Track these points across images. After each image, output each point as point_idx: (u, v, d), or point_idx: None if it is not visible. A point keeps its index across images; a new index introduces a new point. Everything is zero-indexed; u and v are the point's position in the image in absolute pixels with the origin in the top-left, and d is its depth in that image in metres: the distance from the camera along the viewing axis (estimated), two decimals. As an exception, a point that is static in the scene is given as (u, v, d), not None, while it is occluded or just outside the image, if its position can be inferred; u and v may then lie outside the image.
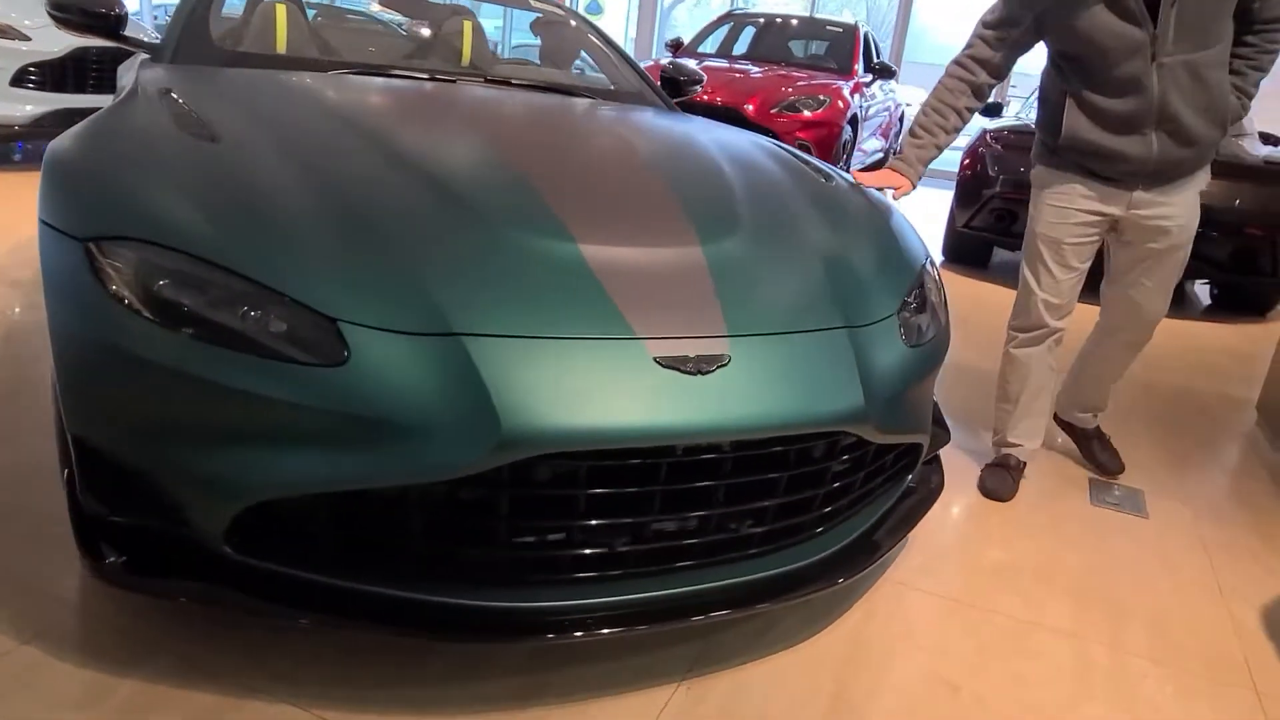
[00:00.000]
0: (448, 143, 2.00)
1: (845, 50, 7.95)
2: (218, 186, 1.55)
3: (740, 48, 8.55)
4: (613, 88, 3.00)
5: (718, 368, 1.49)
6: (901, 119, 9.89)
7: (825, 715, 1.59)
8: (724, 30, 8.67)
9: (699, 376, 1.47)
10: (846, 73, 7.60)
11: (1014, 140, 5.47)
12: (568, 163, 2.05)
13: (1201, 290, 6.06)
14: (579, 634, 1.47)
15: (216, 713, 1.44)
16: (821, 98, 6.79)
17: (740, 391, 1.49)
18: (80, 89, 5.50)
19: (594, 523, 1.46)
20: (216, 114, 1.83)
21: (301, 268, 1.42)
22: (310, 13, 3.23)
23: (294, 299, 1.38)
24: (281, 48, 2.75)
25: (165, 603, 1.62)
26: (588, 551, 1.49)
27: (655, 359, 1.46)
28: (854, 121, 7.21)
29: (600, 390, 1.40)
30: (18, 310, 3.10)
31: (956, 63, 2.35)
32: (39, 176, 1.64)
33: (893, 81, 8.94)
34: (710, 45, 8.55)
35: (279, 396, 1.34)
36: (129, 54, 5.69)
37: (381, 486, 1.36)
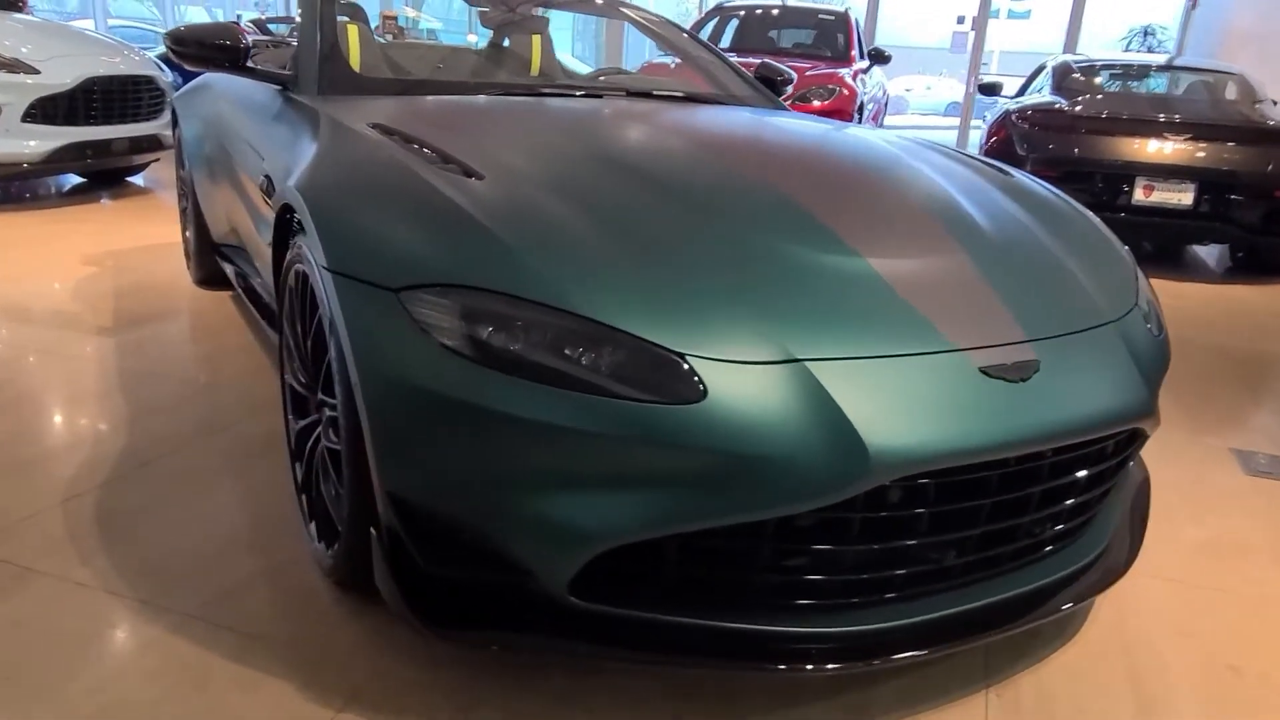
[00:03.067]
0: (688, 163, 1.95)
1: (840, 38, 8.01)
2: (513, 225, 1.49)
3: (729, 39, 8.56)
4: (739, 94, 2.97)
5: (1033, 373, 1.48)
6: (886, 105, 9.99)
7: (1136, 706, 1.60)
8: (714, 23, 8.67)
9: (1021, 384, 1.46)
10: (845, 60, 7.67)
11: (1041, 118, 5.57)
12: (804, 175, 2.02)
13: (1209, 253, 6.24)
14: (929, 650, 1.46)
15: (570, 765, 1.40)
16: (830, 87, 6.83)
17: (1058, 394, 1.48)
18: (89, 120, 5.30)
19: (932, 539, 1.45)
20: (453, 148, 1.77)
21: (634, 303, 1.38)
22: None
23: (635, 336, 1.34)
24: (356, 66, 2.62)
25: (461, 653, 1.58)
26: (923, 569, 1.48)
27: (980, 369, 1.45)
28: (860, 109, 7.26)
29: (945, 405, 1.39)
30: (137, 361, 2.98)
31: None
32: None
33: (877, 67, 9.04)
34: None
35: (635, 438, 1.30)
36: (140, 83, 5.53)
37: (748, 521, 1.33)
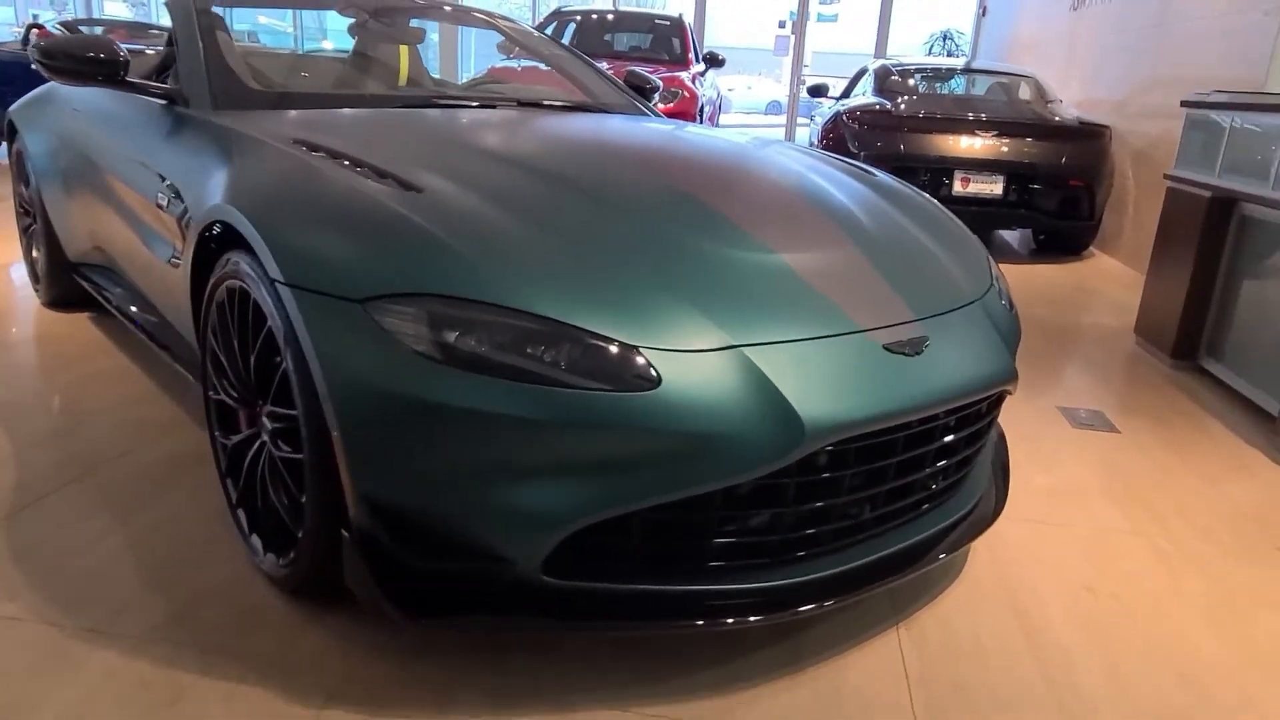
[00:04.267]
0: (605, 170, 2.07)
1: (675, 42, 8.32)
2: (462, 234, 1.58)
3: (566, 42, 8.71)
4: (617, 102, 3.12)
5: (925, 348, 1.72)
6: (720, 105, 10.44)
7: (1022, 630, 1.88)
8: (553, 27, 8.79)
9: (917, 357, 1.69)
10: (683, 64, 7.98)
11: (869, 119, 6.05)
12: (710, 179, 2.19)
13: (1013, 237, 6.96)
14: (846, 596, 1.67)
15: (553, 731, 1.51)
16: (674, 90, 7.10)
17: (946, 365, 1.73)
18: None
19: (852, 497, 1.66)
20: (382, 163, 1.83)
21: (585, 302, 1.51)
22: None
23: (591, 331, 1.47)
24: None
25: (433, 645, 1.66)
26: (849, 521, 1.69)
27: (884, 346, 1.67)
28: (700, 110, 7.59)
29: (860, 379, 1.60)
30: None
31: None
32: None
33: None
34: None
35: (599, 425, 1.43)
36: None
37: (700, 493, 1.49)
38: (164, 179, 2.19)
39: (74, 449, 2.43)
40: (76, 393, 2.82)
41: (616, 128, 2.68)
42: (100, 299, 3.07)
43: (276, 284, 1.55)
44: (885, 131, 5.89)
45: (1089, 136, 5.85)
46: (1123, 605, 2.01)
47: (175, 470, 2.34)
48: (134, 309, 2.80)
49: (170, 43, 2.90)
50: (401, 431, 1.45)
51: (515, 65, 6.59)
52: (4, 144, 7.59)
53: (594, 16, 9.17)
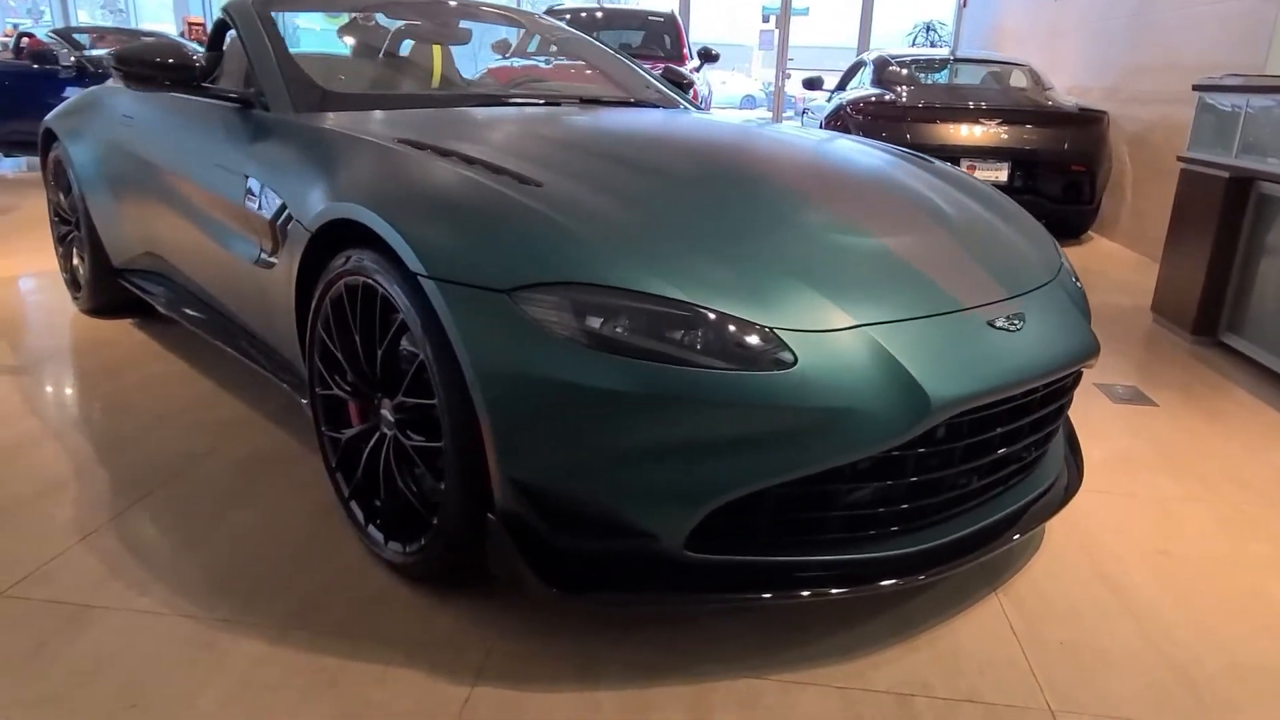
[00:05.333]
0: (697, 161, 2.14)
1: (671, 38, 8.39)
2: (592, 225, 1.64)
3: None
4: (660, 97, 3.18)
5: (1022, 324, 1.80)
6: (710, 100, 10.50)
7: (1106, 588, 1.97)
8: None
9: (1018, 333, 1.78)
10: (679, 60, 8.05)
11: (873, 109, 6.15)
12: (802, 171, 2.26)
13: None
14: (965, 559, 1.75)
15: (700, 698, 1.58)
16: (674, 85, 7.17)
17: (1042, 339, 1.81)
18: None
19: (963, 468, 1.74)
20: (493, 159, 1.88)
21: (714, 287, 1.57)
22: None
23: (729, 314, 1.53)
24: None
25: (565, 621, 1.72)
26: (956, 492, 1.77)
27: (987, 322, 1.75)
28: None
29: (971, 354, 1.67)
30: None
31: None
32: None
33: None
34: (533, 45, 8.67)
35: (744, 404, 1.49)
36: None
37: (834, 466, 1.56)
38: (250, 181, 2.22)
39: (156, 452, 2.46)
40: (141, 396, 2.84)
41: (690, 123, 2.74)
42: (151, 302, 3.09)
43: (418, 278, 1.59)
44: (890, 122, 6.00)
45: (1088, 122, 5.99)
46: (1197, 566, 2.10)
47: (261, 467, 2.38)
48: (193, 311, 2.82)
49: (211, 47, 2.94)
50: (550, 416, 1.51)
51: (511, 64, 6.64)
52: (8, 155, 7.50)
53: (584, 14, 9.20)
